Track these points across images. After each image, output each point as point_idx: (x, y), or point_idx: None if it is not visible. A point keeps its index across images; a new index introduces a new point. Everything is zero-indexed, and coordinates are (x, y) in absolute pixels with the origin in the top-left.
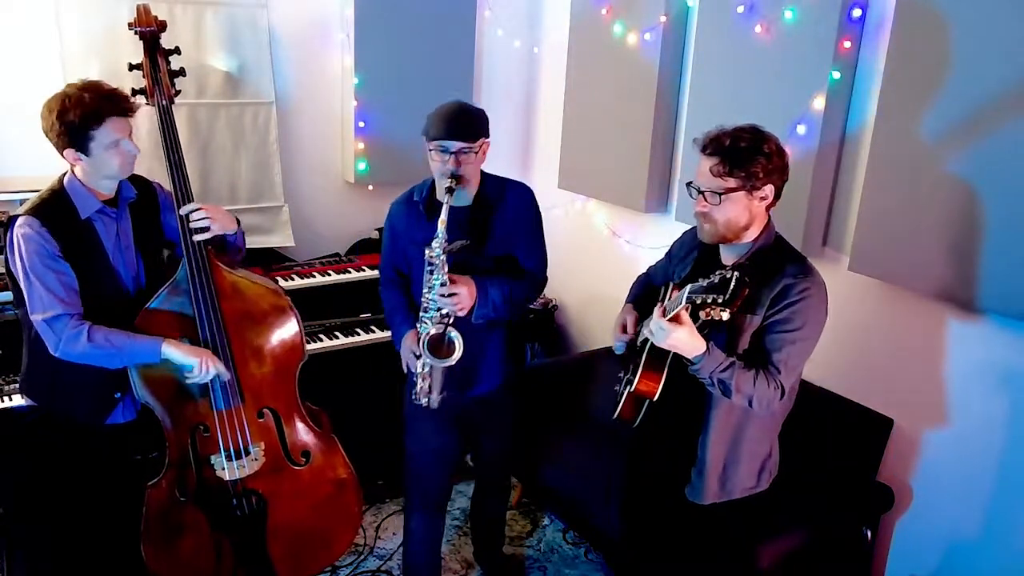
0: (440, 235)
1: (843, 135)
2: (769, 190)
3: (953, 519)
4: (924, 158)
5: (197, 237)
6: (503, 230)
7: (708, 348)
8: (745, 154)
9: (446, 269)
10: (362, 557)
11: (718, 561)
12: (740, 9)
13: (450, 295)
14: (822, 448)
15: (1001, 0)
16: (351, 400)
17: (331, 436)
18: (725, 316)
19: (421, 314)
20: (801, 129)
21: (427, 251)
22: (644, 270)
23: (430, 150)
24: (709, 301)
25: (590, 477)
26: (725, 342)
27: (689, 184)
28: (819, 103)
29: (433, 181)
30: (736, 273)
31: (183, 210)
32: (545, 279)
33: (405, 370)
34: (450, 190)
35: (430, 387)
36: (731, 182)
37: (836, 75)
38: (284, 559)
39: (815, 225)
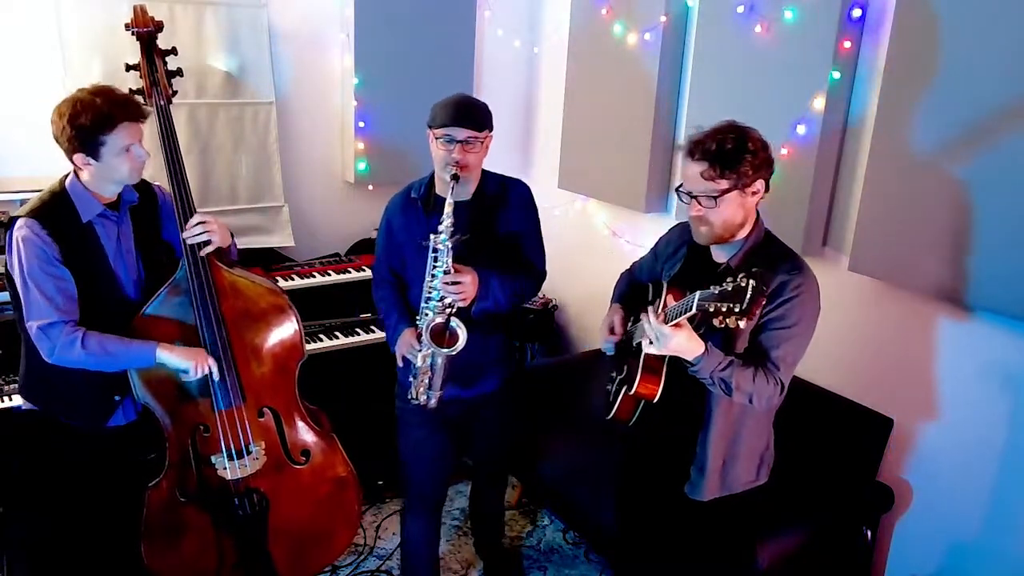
0: (447, 219)
1: (843, 135)
2: (760, 184)
3: (953, 519)
4: (924, 158)
5: (202, 252)
6: (503, 226)
7: (707, 348)
8: (733, 155)
9: (451, 257)
10: (362, 557)
11: (718, 558)
12: (740, 9)
13: (454, 283)
14: (822, 448)
15: (1000, 0)
16: (351, 400)
17: (331, 435)
18: (742, 325)
19: (423, 304)
20: (801, 129)
21: (432, 237)
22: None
23: (436, 138)
24: (724, 310)
25: (590, 476)
26: (722, 341)
27: (679, 189)
28: (819, 103)
29: (432, 176)
30: (752, 282)
31: (191, 223)
32: (545, 273)
33: (400, 364)
34: (455, 177)
35: (429, 383)
36: (724, 184)
37: (836, 75)
38: (285, 558)
39: (815, 225)
